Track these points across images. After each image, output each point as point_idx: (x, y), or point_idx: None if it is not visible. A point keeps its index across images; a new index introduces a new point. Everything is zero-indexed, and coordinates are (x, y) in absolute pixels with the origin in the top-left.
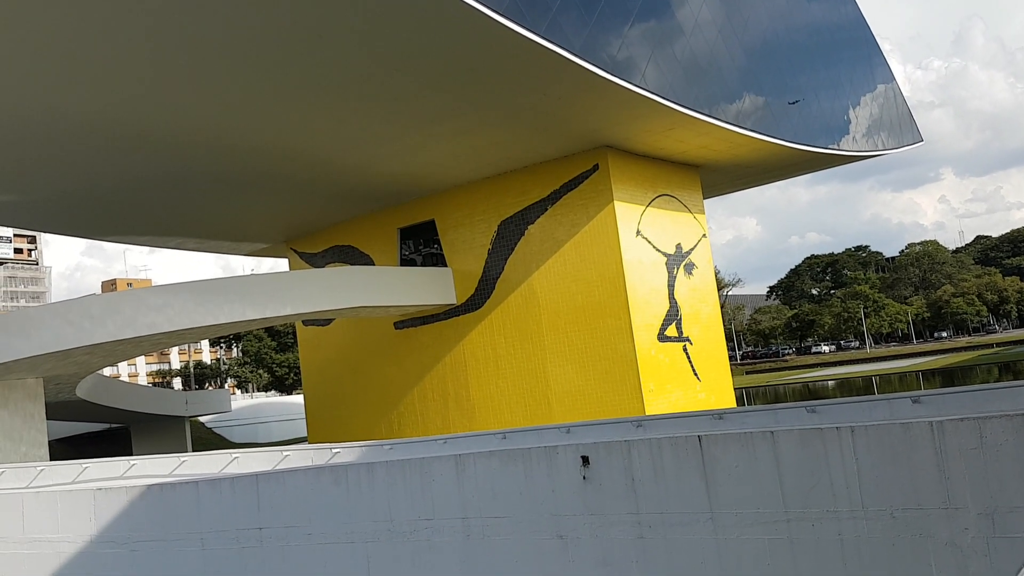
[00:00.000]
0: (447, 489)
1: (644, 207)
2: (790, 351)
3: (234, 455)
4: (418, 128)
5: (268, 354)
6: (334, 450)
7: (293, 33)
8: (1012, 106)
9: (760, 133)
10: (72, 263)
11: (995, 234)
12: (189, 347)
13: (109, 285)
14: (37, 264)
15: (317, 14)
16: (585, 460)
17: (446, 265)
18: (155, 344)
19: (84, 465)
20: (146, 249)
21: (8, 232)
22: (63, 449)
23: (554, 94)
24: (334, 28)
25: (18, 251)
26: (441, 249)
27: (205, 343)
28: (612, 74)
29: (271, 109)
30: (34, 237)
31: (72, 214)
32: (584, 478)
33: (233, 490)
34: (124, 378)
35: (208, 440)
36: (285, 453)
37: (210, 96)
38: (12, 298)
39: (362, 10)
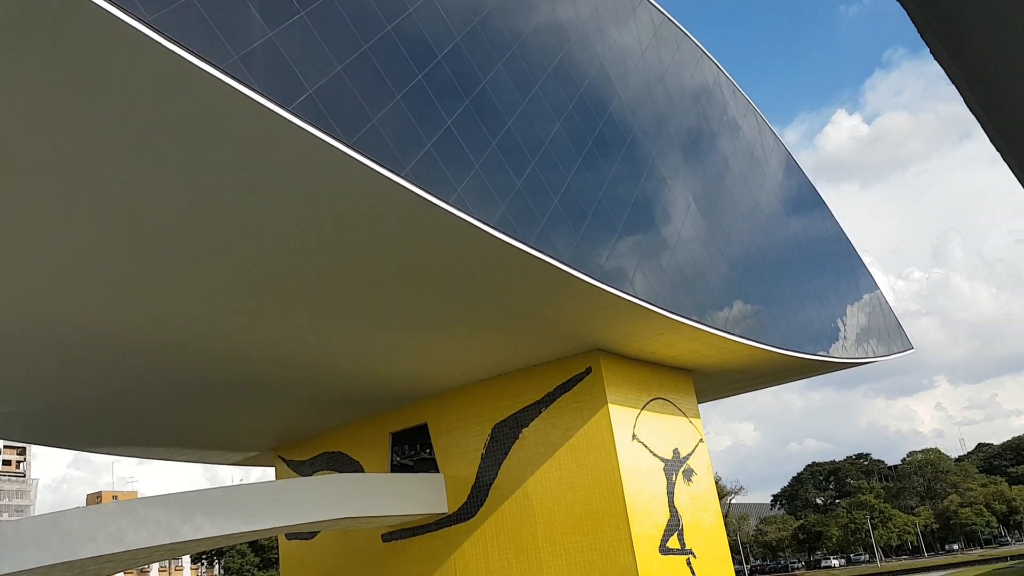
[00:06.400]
0: None
1: (639, 410)
2: (799, 565)
3: None
4: (413, 334)
5: (250, 571)
6: None
7: (287, 243)
8: (997, 316)
9: (747, 339)
10: (59, 475)
11: (996, 441)
12: (170, 563)
13: (94, 498)
14: (24, 476)
15: (311, 226)
16: None
17: (439, 471)
18: (132, 560)
19: None
20: (135, 460)
21: None
22: None
23: (546, 301)
24: (330, 240)
25: (6, 463)
26: (434, 454)
27: (186, 559)
28: (600, 281)
29: (262, 317)
30: (24, 448)
31: (59, 426)
32: None
33: None
34: None
35: None
36: None
37: (201, 305)
38: None
39: (361, 224)
